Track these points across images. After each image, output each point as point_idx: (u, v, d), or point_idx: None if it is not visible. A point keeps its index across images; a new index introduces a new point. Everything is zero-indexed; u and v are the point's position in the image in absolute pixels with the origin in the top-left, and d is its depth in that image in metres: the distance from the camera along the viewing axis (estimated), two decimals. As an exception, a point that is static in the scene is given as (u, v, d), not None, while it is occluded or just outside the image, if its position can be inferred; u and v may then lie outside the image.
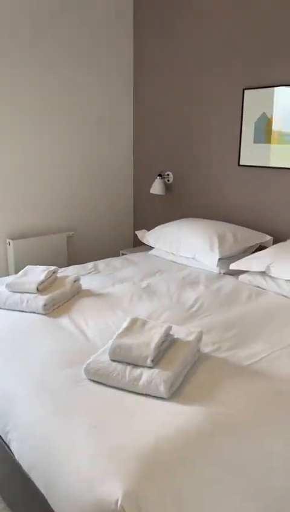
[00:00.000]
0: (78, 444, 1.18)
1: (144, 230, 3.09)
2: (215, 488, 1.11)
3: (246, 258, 2.39)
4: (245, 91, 2.82)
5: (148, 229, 3.19)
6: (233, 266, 2.40)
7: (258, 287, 2.31)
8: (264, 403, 1.35)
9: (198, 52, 3.08)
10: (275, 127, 2.69)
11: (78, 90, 3.33)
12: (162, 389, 1.34)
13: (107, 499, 1.03)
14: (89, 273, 2.59)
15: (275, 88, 2.64)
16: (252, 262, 2.32)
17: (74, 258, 3.51)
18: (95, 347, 1.66)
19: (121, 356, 1.45)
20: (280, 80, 2.62)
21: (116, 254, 3.60)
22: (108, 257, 3.11)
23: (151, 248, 3.08)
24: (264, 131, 2.75)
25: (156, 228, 3.01)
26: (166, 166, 3.48)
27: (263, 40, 2.68)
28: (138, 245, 3.80)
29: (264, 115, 2.74)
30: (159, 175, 3.40)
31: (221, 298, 2.17)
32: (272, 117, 2.69)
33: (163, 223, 3.18)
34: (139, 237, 3.03)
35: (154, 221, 3.47)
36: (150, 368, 1.41)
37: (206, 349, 1.66)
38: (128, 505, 1.01)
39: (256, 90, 2.76)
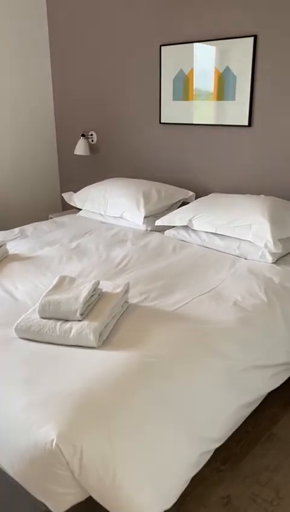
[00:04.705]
0: (13, 396, 1.23)
1: (70, 192, 3.07)
2: (145, 422, 1.21)
3: (169, 214, 2.49)
4: (162, 47, 2.82)
5: (76, 191, 3.17)
6: (158, 222, 2.49)
7: (182, 240, 2.43)
8: (186, 342, 1.47)
9: (113, 8, 2.99)
10: (191, 83, 2.74)
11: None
12: (91, 338, 1.41)
13: (43, 440, 1.10)
14: (16, 238, 2.55)
15: (191, 44, 2.67)
16: (175, 217, 2.42)
17: (1, 225, 3.41)
18: (26, 308, 1.68)
19: (50, 313, 1.49)
20: (195, 36, 2.65)
21: (44, 219, 3.55)
22: (37, 222, 3.06)
23: (80, 210, 3.07)
24: (182, 88, 2.79)
25: (82, 190, 3.00)
26: (89, 126, 3.43)
27: (176, -6, 2.67)
28: (67, 208, 3.77)
29: (181, 71, 2.77)
30: (83, 135, 3.35)
31: (147, 253, 2.26)
32: (188, 74, 2.73)
33: (90, 183, 3.17)
34: (66, 199, 3.01)
35: (81, 183, 3.45)
36: (80, 321, 1.47)
37: (134, 300, 1.74)
38: (63, 443, 1.09)
39: (172, 46, 2.77)
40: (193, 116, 2.80)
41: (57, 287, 1.60)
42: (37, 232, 2.64)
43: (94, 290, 1.59)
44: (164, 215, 2.61)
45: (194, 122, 2.81)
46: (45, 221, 2.87)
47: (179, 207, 2.78)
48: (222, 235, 2.27)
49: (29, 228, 2.71)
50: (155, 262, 2.15)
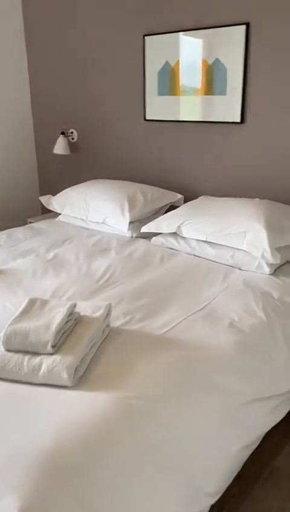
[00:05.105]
0: None
1: (49, 195, 2.84)
2: (128, 483, 1.00)
3: (156, 219, 2.28)
4: (145, 37, 2.59)
5: (56, 193, 2.93)
6: (144, 229, 2.28)
7: (170, 248, 2.22)
8: (177, 376, 1.27)
9: (92, -9, 2.76)
10: (178, 76, 2.52)
11: None
12: (64, 377, 1.19)
13: (1, 518, 0.89)
14: (-13, 247, 2.31)
15: (177, 34, 2.45)
16: (162, 224, 2.21)
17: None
18: (-9, 335, 1.45)
19: (17, 344, 1.27)
20: (182, 25, 2.43)
21: (22, 223, 3.30)
22: (14, 227, 2.82)
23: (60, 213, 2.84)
24: (168, 82, 2.57)
25: (62, 192, 2.77)
26: (69, 124, 3.19)
27: (160, -21, 2.45)
28: (47, 211, 3.53)
29: (167, 64, 2.55)
30: (62, 133, 3.11)
31: (133, 264, 2.05)
32: (174, 66, 2.52)
33: (71, 185, 2.94)
34: (43, 203, 2.78)
35: (61, 184, 3.22)
36: (51, 354, 1.25)
37: (117, 322, 1.53)
38: (26, 522, 0.87)
39: (157, 36, 2.54)
40: (180, 113, 2.59)
41: (25, 312, 1.38)
42: (11, 241, 2.40)
43: (70, 315, 1.37)
44: (150, 220, 2.40)
45: (181, 119, 2.59)
46: (20, 228, 2.63)
47: (166, 211, 2.58)
48: (213, 243, 2.07)
49: (1, 236, 2.46)
50: (141, 274, 1.94)
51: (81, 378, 1.24)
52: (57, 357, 1.23)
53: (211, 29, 2.31)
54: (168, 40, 2.49)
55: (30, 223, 3.12)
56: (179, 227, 2.14)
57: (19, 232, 2.54)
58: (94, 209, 2.52)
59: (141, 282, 1.86)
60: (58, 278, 1.89)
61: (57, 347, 1.27)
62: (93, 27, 2.83)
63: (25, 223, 3.22)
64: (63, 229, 2.60)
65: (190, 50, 2.44)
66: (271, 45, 2.16)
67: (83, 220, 2.62)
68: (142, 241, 2.34)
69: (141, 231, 2.31)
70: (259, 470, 1.62)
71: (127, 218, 2.37)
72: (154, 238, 2.29)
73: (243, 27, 2.20)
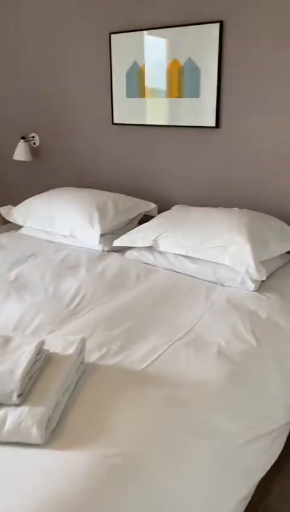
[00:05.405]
0: None
1: (9, 205, 2.60)
2: None
3: (130, 232, 2.10)
4: (112, 36, 2.41)
5: (17, 203, 2.69)
6: (116, 243, 2.10)
7: (146, 263, 2.05)
8: (163, 423, 1.10)
9: (52, -15, 2.56)
10: (146, 78, 2.36)
11: None
12: (34, 433, 0.99)
13: None
14: None
15: (146, 32, 2.29)
16: (137, 237, 2.04)
17: None
18: None
19: (-25, 395, 1.06)
20: (151, 22, 2.27)
21: (-19, 235, 3.04)
22: None
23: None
24: (137, 84, 2.41)
25: (23, 203, 2.54)
26: (30, 127, 2.96)
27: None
28: (7, 223, 3.27)
29: (135, 64, 2.39)
30: (23, 138, 2.88)
31: (106, 283, 1.86)
32: (143, 66, 2.35)
33: (33, 194, 2.71)
34: (3, 215, 2.54)
35: (23, 193, 2.97)
36: (18, 405, 1.05)
37: (92, 356, 1.35)
38: None
39: (124, 34, 2.37)
40: (151, 116, 2.43)
41: (-16, 354, 1.17)
42: None
43: (37, 355, 1.17)
44: (122, 232, 2.21)
45: (152, 123, 2.43)
46: (-22, 243, 2.38)
47: (139, 221, 2.41)
48: (193, 257, 1.92)
49: None
50: (116, 296, 1.76)
51: (54, 432, 1.05)
52: (24, 409, 1.03)
53: (182, 27, 2.16)
54: (137, 38, 2.33)
55: (-10, 235, 2.86)
56: (155, 240, 1.98)
57: (-24, 247, 2.29)
58: (60, 221, 2.32)
59: (116, 305, 1.68)
60: (22, 303, 1.68)
61: (24, 395, 1.07)
62: (55, 23, 2.62)
63: (-17, 236, 2.96)
64: (26, 242, 2.37)
65: (160, 49, 2.28)
66: (247, 45, 2.04)
67: (47, 232, 2.41)
68: (115, 255, 2.15)
69: (114, 245, 2.12)
70: (252, 510, 1.47)
71: (97, 231, 2.18)
72: (128, 252, 2.12)
73: (217, 25, 2.07)
